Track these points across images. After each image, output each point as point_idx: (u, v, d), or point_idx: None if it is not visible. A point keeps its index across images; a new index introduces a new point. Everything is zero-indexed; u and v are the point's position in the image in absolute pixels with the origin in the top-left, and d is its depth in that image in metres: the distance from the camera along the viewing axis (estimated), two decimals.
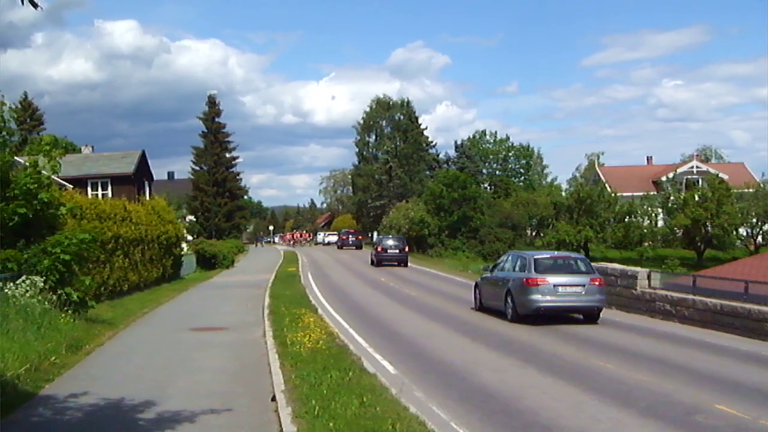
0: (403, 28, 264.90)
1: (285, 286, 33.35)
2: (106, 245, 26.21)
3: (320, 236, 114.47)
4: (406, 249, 54.98)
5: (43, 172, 20.18)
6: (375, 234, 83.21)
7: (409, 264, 53.29)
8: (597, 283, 22.14)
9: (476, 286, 26.62)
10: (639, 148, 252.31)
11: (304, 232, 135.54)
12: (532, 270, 22.13)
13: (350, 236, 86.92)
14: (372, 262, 54.72)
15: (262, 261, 62.31)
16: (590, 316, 22.44)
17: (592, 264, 24.26)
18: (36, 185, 19.61)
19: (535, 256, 23.28)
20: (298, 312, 22.15)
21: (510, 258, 24.95)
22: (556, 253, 29.24)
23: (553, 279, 21.83)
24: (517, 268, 23.27)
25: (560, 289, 21.81)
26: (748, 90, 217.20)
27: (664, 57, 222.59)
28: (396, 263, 52.70)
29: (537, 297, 21.62)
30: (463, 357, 16.40)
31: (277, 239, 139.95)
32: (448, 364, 15.50)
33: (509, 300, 22.60)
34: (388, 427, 9.53)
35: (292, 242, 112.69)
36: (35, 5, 6.74)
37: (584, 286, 21.91)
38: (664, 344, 18.34)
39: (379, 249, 54.47)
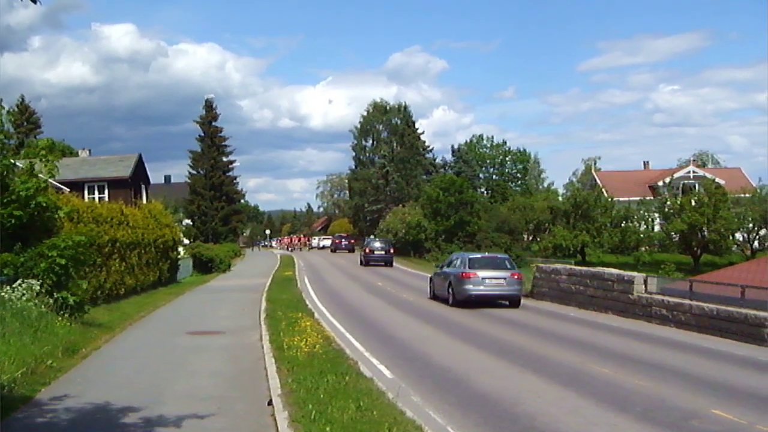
0: (400, 32, 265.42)
1: (281, 290, 33.32)
2: (103, 249, 26.20)
3: (314, 240, 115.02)
4: (392, 251, 60.71)
5: (40, 176, 20.12)
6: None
7: (404, 268, 54.60)
8: (516, 277, 28.69)
9: (431, 279, 33.03)
10: (636, 153, 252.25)
11: (303, 236, 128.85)
12: (467, 266, 28.61)
13: (343, 240, 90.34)
14: (361, 262, 59.88)
15: (258, 265, 62.27)
16: (512, 302, 28.69)
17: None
18: (33, 189, 19.55)
19: (470, 256, 30.38)
20: (294, 316, 22.14)
21: (453, 257, 31.93)
22: (486, 254, 36.45)
23: (482, 273, 28.12)
24: (457, 265, 29.54)
25: (487, 281, 28.06)
26: (746, 95, 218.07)
27: (661, 62, 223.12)
28: (382, 263, 58.33)
29: (469, 287, 27.94)
30: (459, 361, 16.42)
31: (274, 243, 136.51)
32: (446, 369, 15.51)
33: (450, 289, 28.98)
34: (385, 431, 9.54)
35: (290, 247, 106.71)
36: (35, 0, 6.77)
37: (506, 279, 28.39)
38: (661, 349, 18.37)
39: (367, 250, 60.36)
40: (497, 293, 28.41)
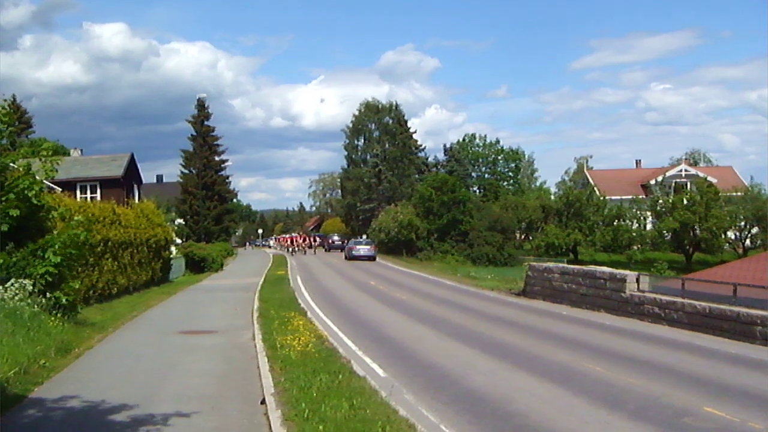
0: (392, 31, 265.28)
1: (274, 289, 33.31)
2: (95, 248, 26.15)
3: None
4: (345, 242, 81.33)
5: (37, 177, 20.02)
6: (364, 237, 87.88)
7: (395, 267, 55.54)
8: (374, 248, 65.15)
9: (345, 250, 69.40)
10: (628, 151, 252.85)
11: (306, 234, 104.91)
12: (352, 243, 68.70)
13: (317, 238, 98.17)
14: (326, 249, 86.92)
15: (251, 264, 62.27)
16: (371, 258, 62.41)
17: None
18: (30, 189, 19.44)
19: (354, 239, 73.23)
20: (287, 315, 22.15)
21: (350, 241, 72.62)
22: (360, 238, 73.95)
23: (357, 246, 65.76)
24: (349, 243, 69.73)
25: (361, 249, 64.33)
26: (738, 93, 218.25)
27: (653, 60, 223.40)
28: (339, 249, 79.66)
29: (353, 252, 64.46)
30: (451, 359, 16.44)
31: (272, 242, 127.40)
32: (439, 367, 15.52)
33: (347, 253, 66.07)
34: (378, 430, 9.56)
35: (291, 249, 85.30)
36: None
37: (368, 248, 64.60)
38: (653, 347, 18.39)
39: (329, 242, 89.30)
40: (364, 255, 63.09)
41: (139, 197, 57.59)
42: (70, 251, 19.60)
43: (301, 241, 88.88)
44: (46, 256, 18.81)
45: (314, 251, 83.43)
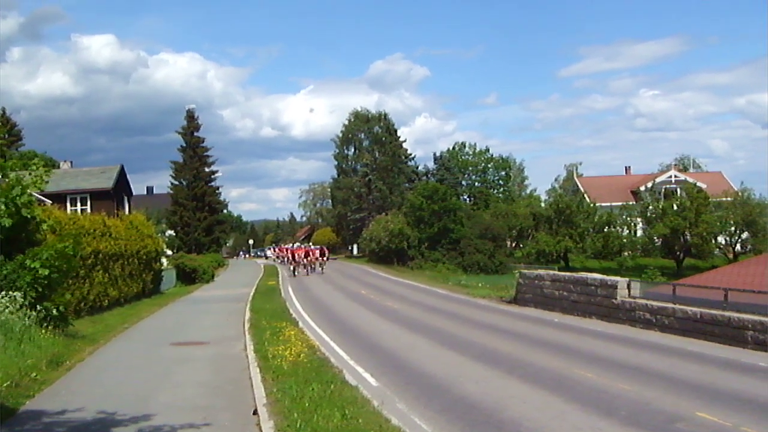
0: (381, 40, 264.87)
1: (265, 300, 33.28)
2: (86, 260, 26.09)
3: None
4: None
5: (28, 191, 19.94)
6: (355, 247, 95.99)
7: (386, 276, 55.78)
8: (326, 255, 65.65)
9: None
10: (617, 158, 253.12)
11: (312, 246, 76.73)
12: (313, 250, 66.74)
13: (325, 251, 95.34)
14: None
15: (242, 275, 62.13)
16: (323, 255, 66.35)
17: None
18: (21, 201, 19.36)
19: (311, 247, 73.02)
20: (278, 325, 22.13)
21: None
22: (314, 246, 74.64)
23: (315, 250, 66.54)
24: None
25: (317, 252, 64.49)
26: (726, 99, 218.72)
27: (641, 67, 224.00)
28: None
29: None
30: (443, 367, 16.43)
31: (269, 253, 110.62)
32: (430, 375, 15.51)
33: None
34: None
35: (296, 267, 60.65)
36: None
37: (322, 250, 66.68)
38: (645, 353, 18.42)
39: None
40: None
41: (130, 209, 57.51)
42: (59, 263, 19.53)
43: (303, 256, 63.49)
44: (32, 267, 18.71)
45: (322, 269, 61.58)
